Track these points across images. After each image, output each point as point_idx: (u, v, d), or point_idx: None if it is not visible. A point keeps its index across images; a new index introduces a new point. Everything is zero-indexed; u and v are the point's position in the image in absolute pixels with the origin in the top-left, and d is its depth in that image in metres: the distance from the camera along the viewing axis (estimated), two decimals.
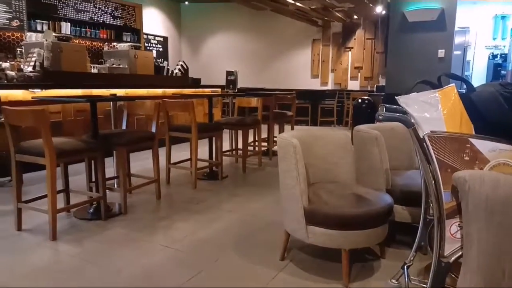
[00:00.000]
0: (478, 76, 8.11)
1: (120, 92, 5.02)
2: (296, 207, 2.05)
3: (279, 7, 8.01)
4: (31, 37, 5.22)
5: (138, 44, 7.16)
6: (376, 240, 2.11)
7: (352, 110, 7.51)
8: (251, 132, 5.02)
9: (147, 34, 9.51)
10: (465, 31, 7.79)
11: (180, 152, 4.46)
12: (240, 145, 4.80)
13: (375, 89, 8.80)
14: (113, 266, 2.17)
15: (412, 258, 1.90)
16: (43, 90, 4.27)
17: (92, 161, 2.96)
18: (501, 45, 7.98)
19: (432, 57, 5.53)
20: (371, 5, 7.56)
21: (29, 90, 4.18)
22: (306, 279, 2.05)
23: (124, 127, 3.51)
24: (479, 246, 1.21)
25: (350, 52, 9.75)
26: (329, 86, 10.00)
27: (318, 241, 2.03)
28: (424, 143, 1.36)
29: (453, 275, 1.48)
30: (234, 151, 5.02)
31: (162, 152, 3.49)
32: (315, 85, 10.10)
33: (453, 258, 1.39)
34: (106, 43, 7.86)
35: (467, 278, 1.25)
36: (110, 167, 3.29)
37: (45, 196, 2.56)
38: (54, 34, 5.08)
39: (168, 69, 6.78)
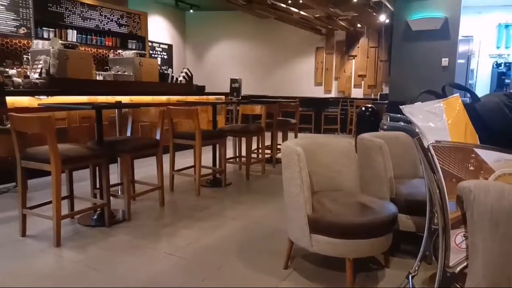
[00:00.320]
0: (482, 84, 8.10)
1: (125, 99, 5.05)
2: (300, 215, 2.05)
3: (283, 15, 8.07)
4: (38, 44, 5.28)
5: (143, 52, 7.22)
6: (381, 249, 2.10)
7: (355, 118, 7.52)
8: (254, 139, 5.03)
9: (152, 42, 9.59)
10: (469, 39, 7.81)
11: (184, 159, 4.47)
12: (243, 153, 4.81)
13: (378, 97, 8.81)
14: (116, 273, 2.17)
15: (416, 268, 1.89)
16: (49, 97, 4.30)
17: (96, 168, 2.97)
18: (505, 53, 7.99)
19: (435, 65, 5.54)
20: (374, 14, 7.60)
21: (35, 97, 4.22)
22: None
23: (128, 134, 3.53)
24: (484, 256, 1.20)
25: (353, 60, 9.79)
26: (333, 94, 10.02)
27: (322, 250, 2.03)
28: (429, 153, 1.36)
29: (458, 286, 1.47)
30: (237, 158, 5.02)
31: (166, 158, 3.50)
32: (318, 92, 10.13)
33: (458, 269, 1.38)
34: (112, 50, 7.93)
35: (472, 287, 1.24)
36: (114, 174, 3.30)
37: (50, 202, 2.57)
38: (60, 41, 5.14)
39: (172, 77, 6.82)
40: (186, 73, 7.02)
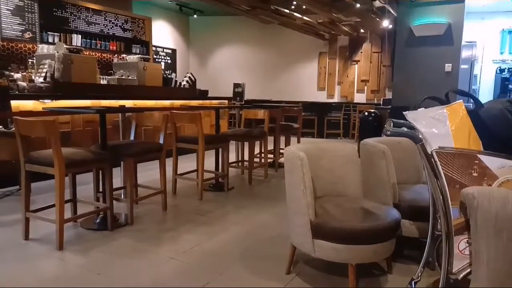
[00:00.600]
0: (486, 90, 8.09)
1: (128, 103, 5.08)
2: (303, 220, 2.05)
3: (287, 21, 8.10)
4: (43, 48, 5.32)
5: (147, 56, 7.26)
6: (383, 255, 2.09)
7: (358, 123, 7.51)
8: (257, 144, 5.04)
9: (156, 46, 9.64)
10: (472, 45, 7.80)
11: (187, 163, 4.48)
12: (246, 157, 4.81)
13: (381, 102, 8.80)
14: (119, 276, 2.17)
15: (419, 274, 1.88)
16: (54, 100, 4.33)
17: (100, 171, 2.98)
18: (508, 59, 7.98)
19: (439, 71, 5.55)
20: (377, 19, 7.62)
21: (40, 100, 4.24)
22: None
23: (132, 138, 3.54)
24: (489, 263, 1.19)
25: (356, 65, 9.80)
26: (336, 99, 10.03)
27: (324, 255, 2.02)
28: (432, 159, 1.36)
29: None
30: (240, 163, 5.03)
31: (169, 162, 3.51)
32: (321, 97, 10.14)
33: (461, 275, 1.38)
34: (116, 55, 7.99)
35: None
36: (117, 177, 3.31)
37: (53, 205, 2.58)
38: (65, 46, 5.18)
39: (176, 81, 6.85)
40: (189, 77, 7.04)
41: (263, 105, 6.20)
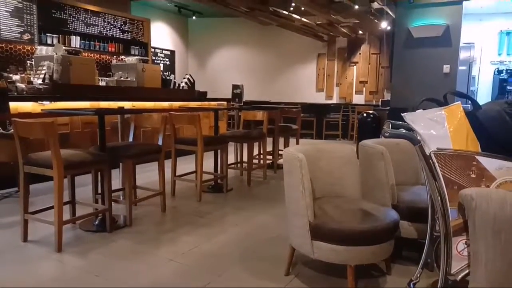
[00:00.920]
0: (484, 91, 8.11)
1: (127, 104, 5.08)
2: (302, 221, 2.05)
3: (285, 22, 8.11)
4: (42, 50, 5.32)
5: (145, 58, 7.27)
6: (382, 256, 2.10)
7: (357, 124, 7.52)
8: (256, 145, 5.04)
9: (154, 48, 9.65)
10: (470, 46, 7.83)
11: (186, 165, 4.48)
12: (245, 158, 4.81)
13: (380, 104, 8.82)
14: (118, 278, 2.17)
15: (418, 275, 1.89)
16: (52, 102, 4.33)
17: (99, 173, 2.98)
18: (506, 60, 8.00)
19: (437, 72, 5.56)
20: (376, 21, 7.64)
21: (38, 102, 4.24)
22: None
23: (131, 139, 3.54)
24: (487, 264, 1.20)
25: (355, 67, 9.82)
26: (334, 100, 10.05)
27: (323, 257, 2.02)
28: (431, 160, 1.36)
29: None
30: (239, 164, 5.03)
31: (167, 164, 3.51)
32: (320, 98, 10.15)
33: (460, 276, 1.38)
34: (114, 56, 7.99)
35: None
36: (116, 179, 3.31)
37: (52, 207, 2.58)
38: (64, 47, 5.18)
39: (175, 82, 6.85)
40: (188, 79, 7.05)
41: (262, 106, 6.20)
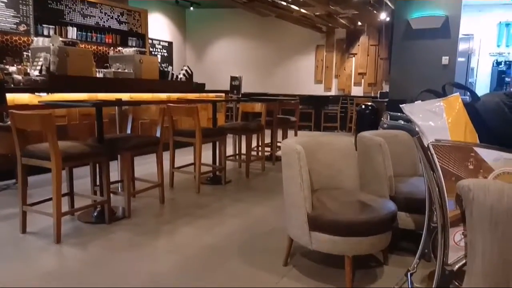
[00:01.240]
0: (482, 83, 8.11)
1: (125, 96, 5.06)
2: (300, 213, 2.06)
3: (284, 13, 8.05)
4: (38, 41, 5.27)
5: (143, 49, 7.21)
6: (380, 247, 2.11)
7: (355, 116, 7.52)
8: (254, 137, 5.03)
9: (152, 39, 9.58)
10: (469, 38, 7.81)
11: (184, 157, 4.48)
12: (243, 150, 4.81)
13: (378, 95, 8.81)
14: (117, 270, 2.18)
15: (415, 265, 1.90)
16: (49, 94, 4.30)
17: (97, 165, 2.98)
18: (505, 52, 7.99)
19: (436, 64, 5.54)
20: (375, 12, 7.59)
21: (35, 94, 4.21)
22: (309, 285, 2.05)
23: (129, 131, 3.53)
24: (484, 255, 1.21)
25: (354, 58, 9.78)
26: (333, 92, 10.03)
27: (321, 247, 2.04)
28: (429, 152, 1.36)
29: (456, 283, 1.48)
30: (237, 156, 5.03)
31: (166, 156, 3.51)
32: (318, 90, 10.13)
33: (457, 266, 1.39)
34: (112, 47, 7.92)
35: (471, 287, 1.25)
36: (115, 171, 3.31)
37: (50, 199, 2.58)
38: (60, 38, 5.13)
39: (172, 74, 6.81)
40: (186, 70, 7.00)
41: (260, 98, 6.19)
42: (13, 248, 2.44)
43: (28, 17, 6.43)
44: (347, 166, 2.43)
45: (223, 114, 7.25)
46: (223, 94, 6.84)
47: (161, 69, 6.55)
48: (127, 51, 6.27)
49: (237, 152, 5.06)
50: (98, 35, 7.60)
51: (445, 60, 5.52)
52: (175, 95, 5.98)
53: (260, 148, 5.14)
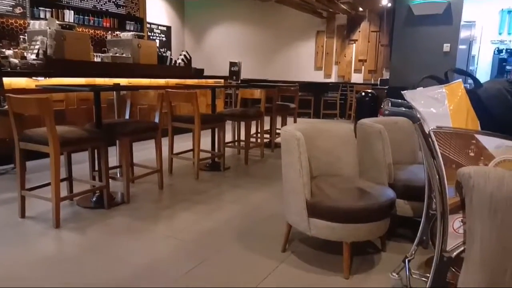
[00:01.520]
0: (483, 71, 8.05)
1: (123, 81, 5.01)
2: (299, 199, 2.06)
3: None
4: (35, 24, 5.19)
5: (141, 33, 7.11)
6: (378, 234, 2.13)
7: (355, 103, 7.48)
8: (253, 123, 5.02)
9: (150, 24, 9.45)
10: (471, 25, 7.71)
11: (183, 143, 4.47)
12: (242, 137, 4.80)
13: (378, 83, 8.76)
14: (115, 254, 2.19)
15: (413, 252, 1.91)
16: (47, 78, 4.26)
17: (95, 150, 2.96)
18: (506, 40, 7.91)
19: (437, 51, 5.49)
20: None
21: (33, 78, 4.17)
22: (307, 271, 2.06)
23: (127, 116, 3.51)
24: (482, 242, 1.21)
25: (354, 45, 9.69)
26: (333, 79, 9.96)
27: (320, 234, 2.04)
28: (430, 138, 1.35)
29: (454, 270, 1.49)
30: (236, 143, 5.02)
31: (164, 142, 3.50)
32: (318, 77, 10.06)
33: (455, 253, 1.40)
34: (109, 32, 7.82)
35: (469, 274, 1.26)
36: (113, 156, 3.30)
37: (49, 184, 2.57)
38: (57, 22, 5.05)
39: (171, 59, 6.74)
40: (185, 55, 6.94)
41: (259, 84, 6.13)
42: (12, 232, 2.45)
43: (24, 0, 6.32)
44: (346, 153, 2.43)
45: (222, 100, 7.21)
46: (222, 80, 6.79)
47: (160, 54, 6.48)
48: (125, 35, 6.20)
49: (236, 139, 5.04)
50: (96, 18, 7.49)
51: (446, 47, 5.47)
52: (173, 81, 5.93)
53: (259, 135, 5.13)
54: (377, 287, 1.95)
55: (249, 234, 2.53)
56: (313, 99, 9.54)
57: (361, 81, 9.59)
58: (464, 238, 1.35)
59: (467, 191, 1.24)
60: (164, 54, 6.63)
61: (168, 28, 10.43)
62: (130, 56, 5.85)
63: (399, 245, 2.36)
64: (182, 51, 7.31)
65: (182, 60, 6.88)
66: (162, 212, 2.89)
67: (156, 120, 3.25)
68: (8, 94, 2.56)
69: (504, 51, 7.77)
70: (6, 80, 3.92)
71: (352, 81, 9.69)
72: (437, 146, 1.34)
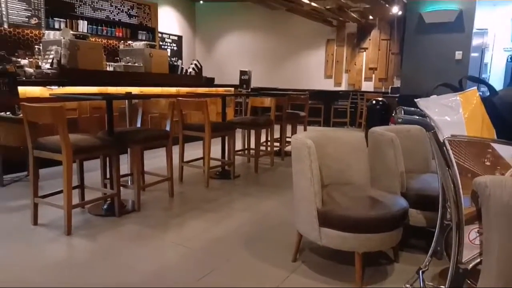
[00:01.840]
0: (496, 79, 7.94)
1: (135, 90, 5.07)
2: (310, 208, 2.04)
3: (294, 7, 7.98)
4: (49, 34, 5.31)
5: (153, 43, 7.22)
6: (390, 244, 2.09)
7: (365, 111, 7.44)
8: (263, 132, 5.02)
9: (162, 33, 9.58)
10: (483, 32, 7.65)
11: (193, 151, 4.48)
12: (252, 145, 4.80)
13: (389, 91, 8.71)
14: (126, 262, 2.19)
15: (427, 263, 1.87)
16: (60, 87, 4.33)
17: (107, 158, 2.99)
18: None
19: (449, 59, 5.45)
20: (387, 5, 7.48)
21: (47, 87, 4.25)
22: (318, 281, 2.03)
23: (138, 125, 3.54)
24: (500, 253, 1.18)
25: (364, 53, 9.66)
26: (343, 87, 9.93)
27: (331, 243, 2.02)
28: (444, 147, 1.33)
29: (470, 282, 1.45)
30: (246, 151, 5.02)
31: (175, 150, 3.51)
32: (328, 85, 10.04)
33: (471, 265, 1.36)
34: (122, 41, 7.95)
35: (486, 286, 1.22)
36: (124, 164, 3.32)
37: (61, 191, 2.60)
38: (71, 32, 5.16)
39: (182, 68, 6.81)
40: (195, 64, 7.00)
41: (269, 93, 6.15)
42: (25, 239, 2.47)
43: (40, 10, 6.48)
44: (357, 161, 2.40)
45: (232, 108, 7.24)
46: (232, 89, 6.82)
47: (171, 63, 6.56)
48: (137, 44, 6.29)
49: (246, 147, 5.04)
50: (109, 28, 7.63)
51: (458, 55, 5.42)
52: (184, 89, 5.98)
53: (269, 143, 5.12)
54: None
55: (259, 243, 2.51)
56: (323, 108, 9.51)
57: (371, 89, 9.54)
58: (480, 249, 1.32)
59: (483, 200, 1.21)
60: (175, 63, 6.70)
61: (179, 37, 10.56)
62: (142, 65, 5.93)
63: (412, 256, 2.31)
64: (193, 60, 7.38)
65: (193, 69, 6.95)
66: (172, 220, 2.89)
67: (167, 128, 3.27)
68: (23, 102, 2.61)
69: None
70: (21, 89, 4.00)
71: (363, 89, 9.64)
72: (452, 155, 1.31)
